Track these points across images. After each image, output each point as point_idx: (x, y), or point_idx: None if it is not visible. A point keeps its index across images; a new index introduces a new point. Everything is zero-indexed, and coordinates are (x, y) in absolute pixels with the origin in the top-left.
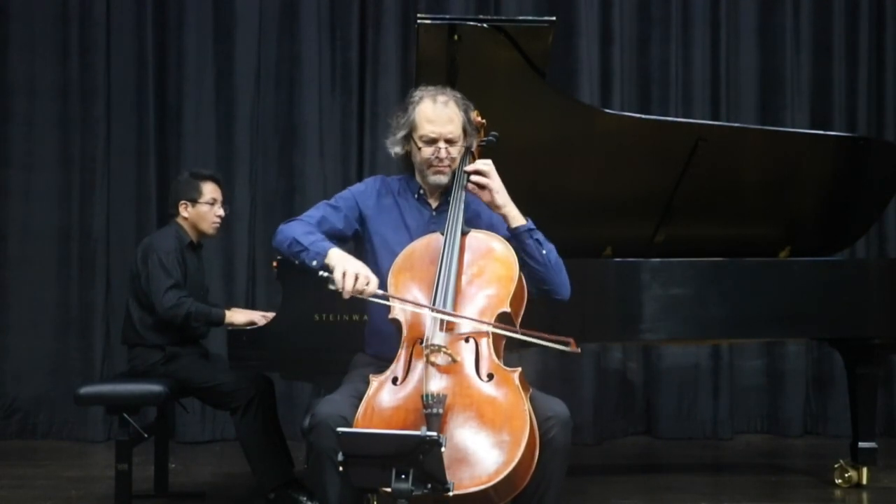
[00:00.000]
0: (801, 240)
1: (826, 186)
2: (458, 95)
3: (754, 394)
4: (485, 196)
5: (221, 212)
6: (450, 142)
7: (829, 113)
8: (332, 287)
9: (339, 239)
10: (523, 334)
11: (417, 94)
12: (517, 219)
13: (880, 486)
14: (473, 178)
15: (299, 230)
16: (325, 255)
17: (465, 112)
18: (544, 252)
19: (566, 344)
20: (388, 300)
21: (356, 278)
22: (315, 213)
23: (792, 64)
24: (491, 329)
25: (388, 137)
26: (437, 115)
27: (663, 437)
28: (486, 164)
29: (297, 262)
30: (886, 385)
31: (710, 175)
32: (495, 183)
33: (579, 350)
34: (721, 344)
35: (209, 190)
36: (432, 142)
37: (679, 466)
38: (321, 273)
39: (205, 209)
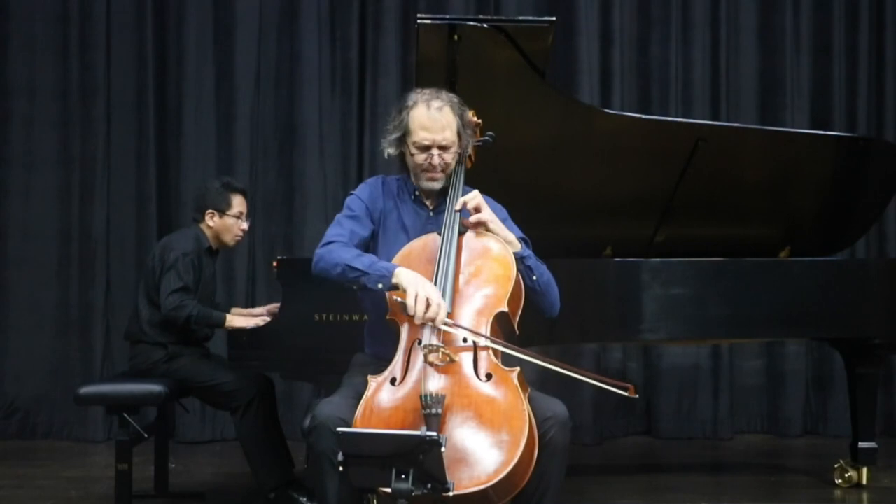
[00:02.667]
0: (801, 240)
1: (826, 186)
2: (455, 99)
3: (754, 394)
4: (481, 224)
5: (245, 225)
6: (443, 148)
7: (829, 113)
8: (403, 312)
9: (366, 247)
10: (578, 373)
11: (412, 97)
12: (512, 245)
13: (880, 486)
14: (472, 218)
15: (346, 255)
16: (391, 277)
17: (461, 116)
18: (535, 278)
19: (625, 389)
20: (457, 330)
21: (427, 305)
22: (342, 230)
23: (792, 64)
24: (528, 358)
25: (383, 139)
26: (432, 121)
27: (663, 437)
28: (475, 199)
29: (355, 287)
30: (886, 385)
31: (710, 175)
32: (486, 215)
33: (637, 396)
34: (721, 344)
35: (238, 203)
36: (426, 148)
37: (679, 466)
38: (396, 299)
39: (231, 222)
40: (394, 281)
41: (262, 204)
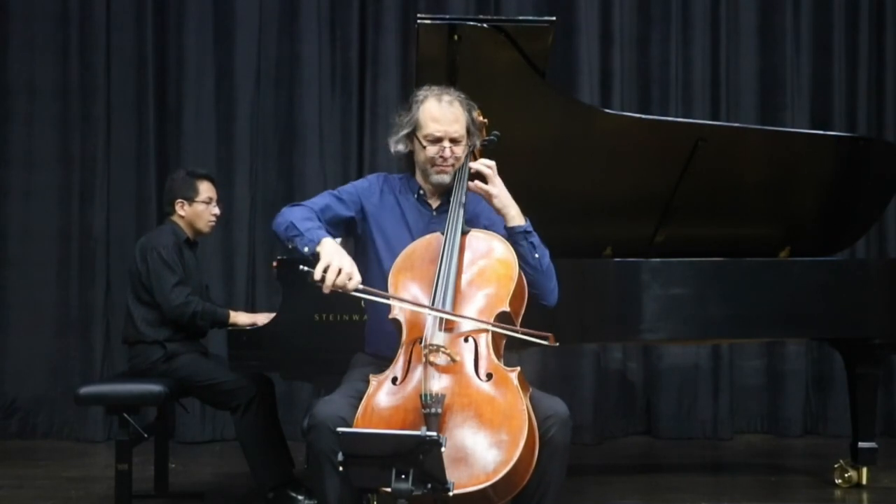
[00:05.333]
0: (801, 240)
1: (826, 186)
2: (462, 96)
3: (754, 394)
4: (486, 196)
5: (217, 210)
6: (454, 141)
7: (829, 113)
8: (310, 280)
9: (341, 228)
10: (501, 328)
11: (422, 93)
12: (515, 219)
13: (880, 486)
14: (477, 183)
15: (298, 215)
16: (317, 243)
17: (469, 112)
18: (537, 256)
19: (545, 339)
20: (372, 297)
21: (338, 273)
22: (319, 200)
23: (792, 64)
24: (479, 325)
25: (391, 136)
26: (443, 114)
27: (663, 437)
28: (488, 167)
29: (290, 245)
30: (886, 385)
31: (710, 175)
32: (496, 188)
33: (557, 344)
34: (721, 344)
35: (205, 189)
36: (437, 141)
37: (679, 466)
38: (301, 267)
39: (201, 208)
40: (317, 248)
41: (262, 204)
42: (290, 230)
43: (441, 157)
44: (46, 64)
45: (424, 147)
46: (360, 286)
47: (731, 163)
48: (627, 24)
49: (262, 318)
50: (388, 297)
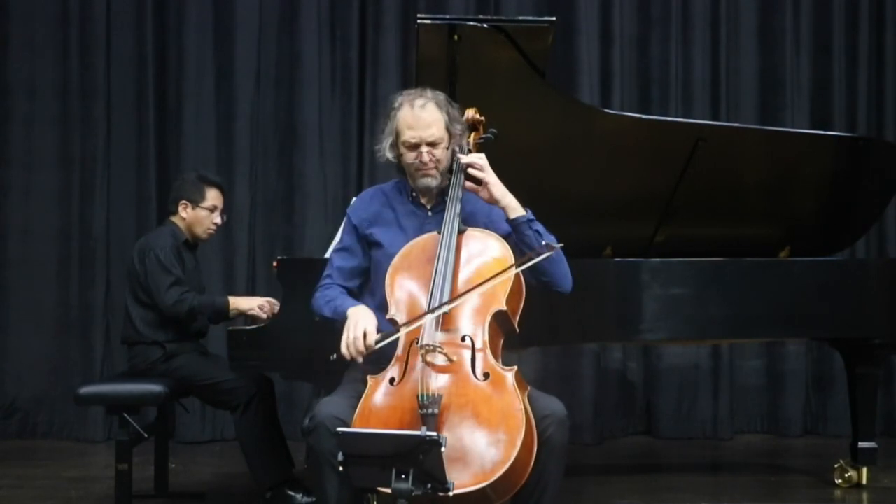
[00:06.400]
0: (802, 240)
1: (826, 186)
2: (441, 96)
3: (754, 394)
4: (483, 193)
5: (219, 220)
6: (432, 144)
7: (829, 113)
8: (347, 361)
9: (363, 273)
10: (517, 266)
11: (398, 100)
12: (516, 210)
13: (880, 486)
14: (470, 171)
15: (322, 302)
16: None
17: (447, 112)
18: (544, 243)
19: (552, 250)
20: (391, 336)
21: (355, 341)
22: (330, 270)
23: (792, 64)
24: (483, 288)
25: (378, 144)
26: (417, 119)
27: (663, 437)
28: (479, 159)
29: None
30: (886, 385)
31: (710, 175)
32: (490, 177)
33: (562, 244)
34: (721, 344)
35: (212, 196)
36: (414, 147)
37: (679, 466)
38: (331, 357)
39: (203, 214)
40: None
41: (262, 204)
42: (330, 321)
43: (420, 161)
44: (46, 64)
45: (403, 154)
46: (378, 337)
47: (731, 163)
48: (627, 24)
49: (264, 302)
50: (398, 333)
